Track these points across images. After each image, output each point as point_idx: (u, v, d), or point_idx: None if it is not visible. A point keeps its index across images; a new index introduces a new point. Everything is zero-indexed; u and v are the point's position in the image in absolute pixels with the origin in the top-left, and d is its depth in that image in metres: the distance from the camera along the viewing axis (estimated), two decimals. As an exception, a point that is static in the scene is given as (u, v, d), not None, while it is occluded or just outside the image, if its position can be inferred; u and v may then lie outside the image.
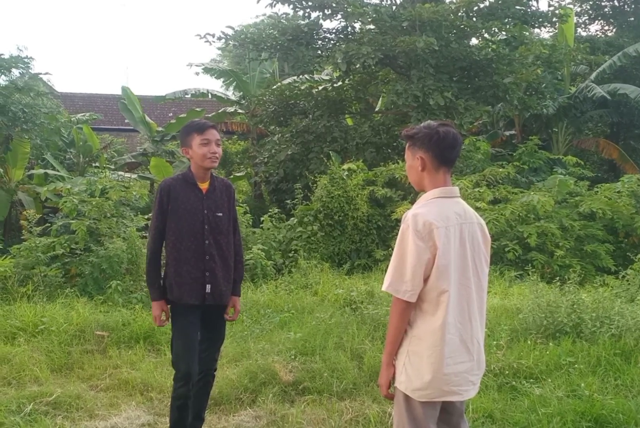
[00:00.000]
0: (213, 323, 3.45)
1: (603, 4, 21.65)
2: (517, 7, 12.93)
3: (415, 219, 2.40)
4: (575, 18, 16.58)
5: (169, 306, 3.42)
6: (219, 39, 13.20)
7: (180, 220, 3.31)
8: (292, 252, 9.19)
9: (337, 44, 13.26)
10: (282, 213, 10.40)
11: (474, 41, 13.75)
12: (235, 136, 19.24)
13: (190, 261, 3.31)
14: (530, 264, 7.64)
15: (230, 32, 13.39)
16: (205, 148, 3.30)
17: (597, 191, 10.42)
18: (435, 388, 2.41)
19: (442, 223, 2.40)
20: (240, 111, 17.19)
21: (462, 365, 2.44)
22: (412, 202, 9.31)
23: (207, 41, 13.05)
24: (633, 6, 21.13)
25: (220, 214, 3.41)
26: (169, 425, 3.42)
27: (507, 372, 4.42)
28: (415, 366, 2.43)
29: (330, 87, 14.15)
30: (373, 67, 12.65)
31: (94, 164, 15.42)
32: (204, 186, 3.41)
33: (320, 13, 12.97)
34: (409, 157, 2.58)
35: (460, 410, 2.61)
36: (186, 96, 16.97)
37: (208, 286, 3.33)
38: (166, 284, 3.36)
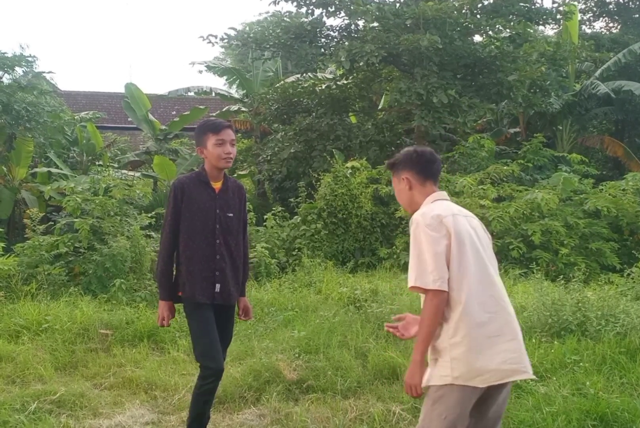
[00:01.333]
0: (222, 323, 3.44)
1: (607, 0, 21.57)
2: (521, 4, 12.86)
3: (424, 216, 2.50)
4: (579, 15, 16.51)
5: (182, 304, 3.42)
6: (222, 39, 13.19)
7: (193, 218, 3.31)
8: (296, 250, 9.18)
9: (341, 42, 13.23)
10: (285, 211, 10.39)
11: (477, 39, 13.70)
12: (239, 134, 19.24)
13: (202, 260, 3.31)
14: (534, 263, 7.62)
15: (232, 33, 13.39)
16: (219, 148, 3.29)
17: (602, 189, 10.38)
18: (493, 370, 2.38)
19: (449, 213, 2.52)
20: (243, 109, 17.19)
21: (513, 343, 2.44)
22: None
23: (210, 42, 13.05)
24: (638, 3, 21.06)
25: (231, 214, 3.41)
26: (189, 419, 3.39)
27: (511, 371, 4.40)
28: (463, 357, 2.39)
29: (334, 85, 14.11)
30: (376, 65, 12.61)
31: (97, 163, 15.42)
32: (216, 185, 3.40)
33: (324, 10, 12.95)
34: (395, 183, 2.74)
35: (498, 412, 2.57)
36: (189, 94, 16.95)
37: (217, 286, 3.33)
38: (179, 282, 3.36)
